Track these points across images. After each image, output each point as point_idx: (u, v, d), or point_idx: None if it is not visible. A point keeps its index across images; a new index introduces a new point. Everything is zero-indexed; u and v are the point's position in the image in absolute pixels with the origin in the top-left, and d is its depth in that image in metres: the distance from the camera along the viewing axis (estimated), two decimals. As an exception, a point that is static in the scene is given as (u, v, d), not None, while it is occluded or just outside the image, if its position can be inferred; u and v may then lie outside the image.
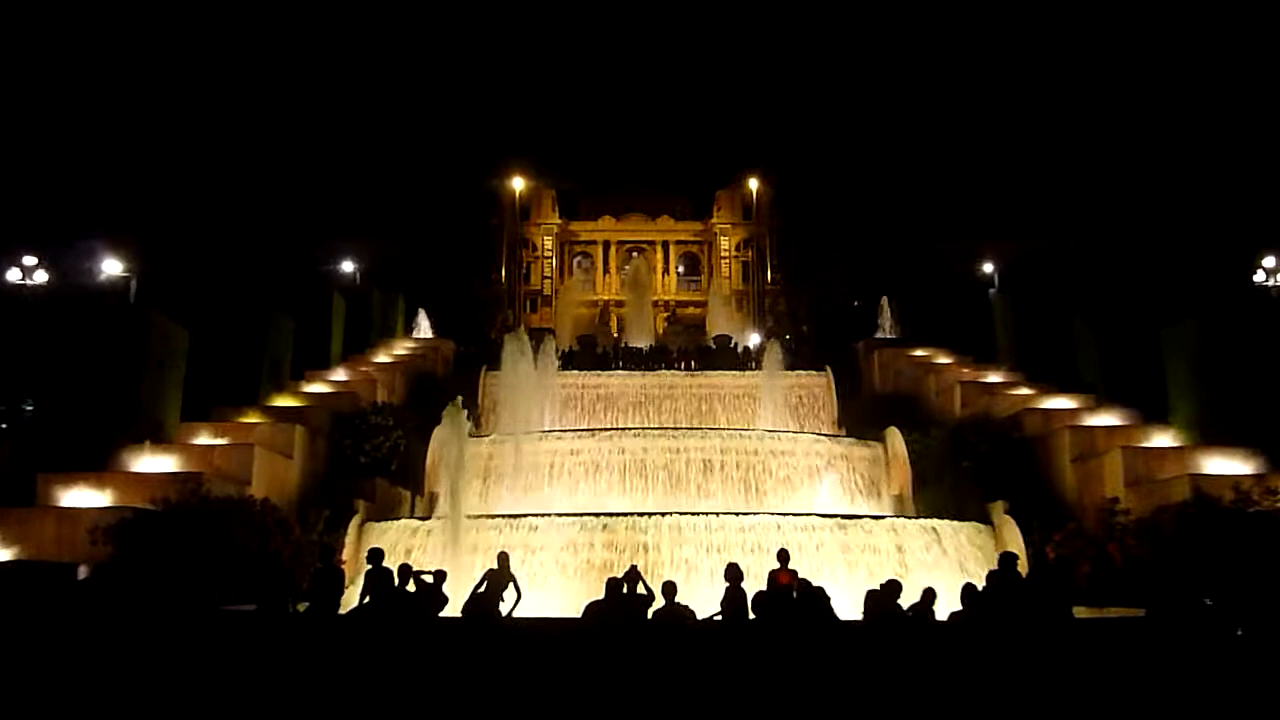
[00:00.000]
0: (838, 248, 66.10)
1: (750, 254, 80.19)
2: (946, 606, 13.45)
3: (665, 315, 71.64)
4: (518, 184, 72.41)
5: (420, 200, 69.27)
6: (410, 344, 38.96)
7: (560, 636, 11.66)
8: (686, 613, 11.98)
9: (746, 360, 39.83)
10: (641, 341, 46.26)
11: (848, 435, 30.17)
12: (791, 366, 35.29)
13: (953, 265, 52.04)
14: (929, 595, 12.65)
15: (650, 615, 12.03)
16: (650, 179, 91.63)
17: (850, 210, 68.43)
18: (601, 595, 12.79)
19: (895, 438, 27.46)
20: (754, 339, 50.93)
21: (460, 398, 24.08)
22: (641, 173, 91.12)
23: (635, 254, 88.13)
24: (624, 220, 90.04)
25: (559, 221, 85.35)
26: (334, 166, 68.46)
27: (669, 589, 12.47)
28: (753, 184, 75.77)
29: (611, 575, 13.29)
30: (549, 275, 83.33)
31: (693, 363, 39.81)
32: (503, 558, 14.82)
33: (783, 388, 33.40)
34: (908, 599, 12.95)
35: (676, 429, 28.83)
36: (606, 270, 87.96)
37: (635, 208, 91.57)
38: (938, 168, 69.46)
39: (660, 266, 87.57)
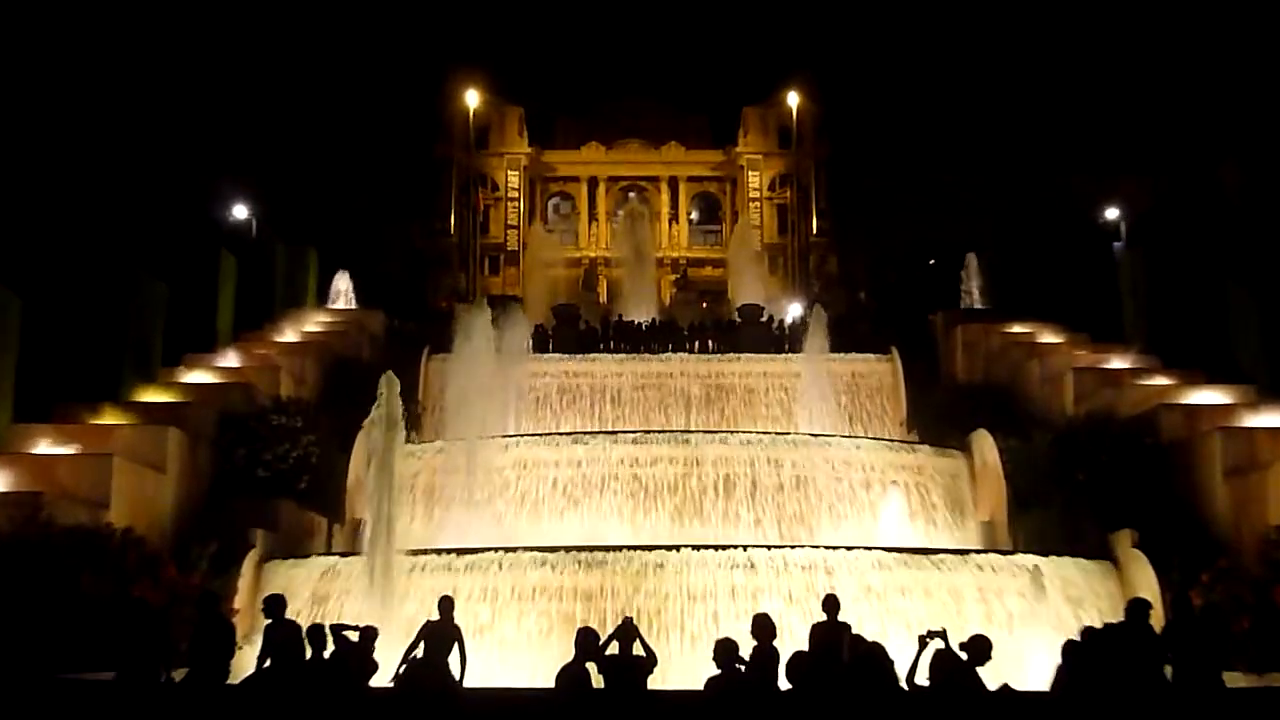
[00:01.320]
0: (906, 186, 65.99)
1: (789, 194, 79.94)
2: (1041, 668, 13.34)
3: (674, 278, 71.71)
4: (471, 99, 72.48)
5: (339, 122, 69.13)
6: (327, 317, 38.88)
7: (529, 712, 11.55)
8: (642, 664, 11.73)
9: (783, 339, 39.84)
10: (641, 314, 46.22)
11: (920, 440, 30.27)
12: (844, 347, 35.42)
13: (1063, 210, 51.88)
14: (980, 647, 12.13)
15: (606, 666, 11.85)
16: (653, 91, 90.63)
17: (923, 136, 68.32)
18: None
19: (984, 444, 27.45)
20: (793, 310, 50.90)
21: (394, 390, 23.99)
22: (641, 83, 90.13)
23: (632, 195, 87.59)
24: (617, 148, 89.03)
25: (528, 151, 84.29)
26: (221, 77, 68.21)
27: (626, 630, 12.09)
28: (792, 99, 75.64)
29: (584, 626, 12.76)
30: (515, 224, 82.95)
31: (710, 342, 39.87)
32: (445, 605, 14.70)
33: (833, 376, 33.47)
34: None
35: (688, 433, 28.94)
36: (594, 217, 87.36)
37: (632, 131, 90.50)
38: (1041, 77, 69.36)
39: (666, 211, 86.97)
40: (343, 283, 43.19)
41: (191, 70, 65.64)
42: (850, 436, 29.87)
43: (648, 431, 29.21)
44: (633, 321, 42.69)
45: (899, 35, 74.72)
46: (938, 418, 31.19)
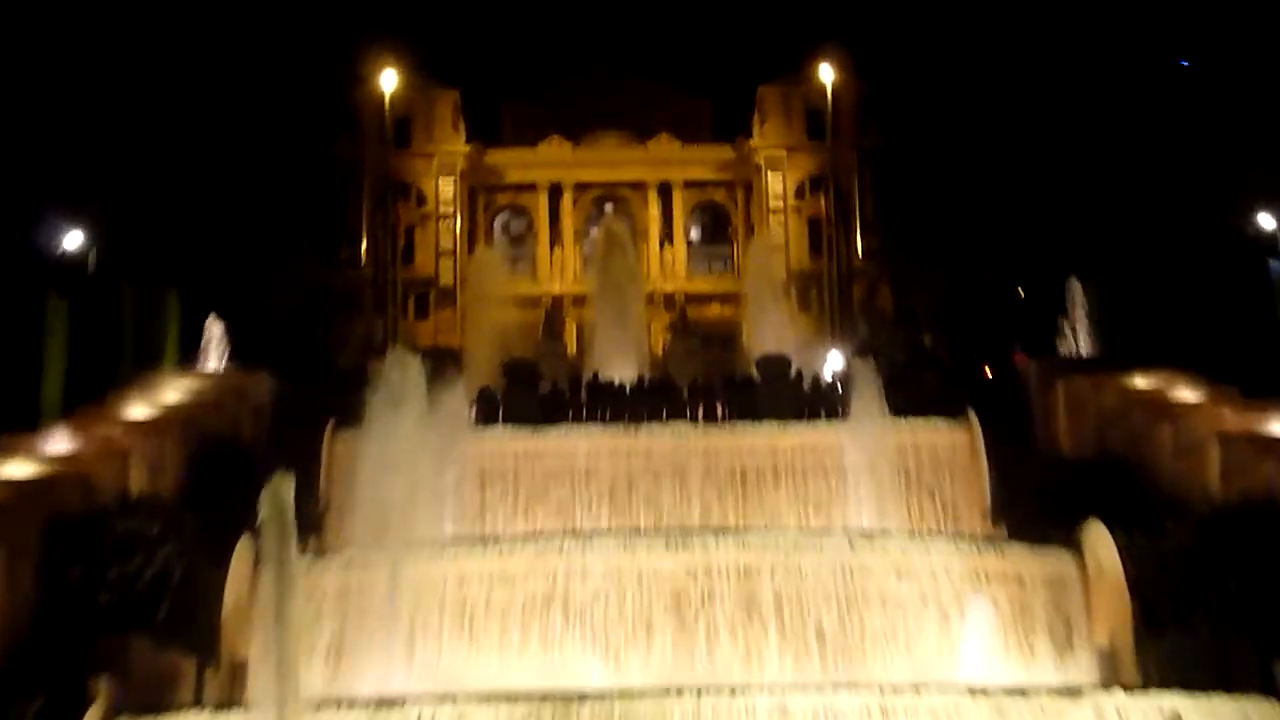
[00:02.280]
0: (982, 189, 66.57)
1: (824, 202, 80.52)
2: None
3: (668, 320, 72.15)
4: (388, 81, 73.15)
5: (207, 117, 69.29)
6: (193, 383, 38.84)
7: None
8: None
9: (819, 400, 40.01)
10: (625, 370, 46.40)
11: (1011, 536, 30.47)
12: (904, 410, 35.69)
13: (1197, 220, 52.37)
14: None
15: None
16: (635, 64, 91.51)
17: (1002, 120, 68.86)
18: None
19: (1099, 540, 27.47)
20: (832, 361, 50.85)
21: (288, 480, 23.97)
22: (618, 53, 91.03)
23: (609, 207, 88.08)
24: (587, 143, 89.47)
25: (466, 149, 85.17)
26: (44, 58, 68.41)
27: None
28: (826, 73, 76.23)
29: None
30: (449, 250, 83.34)
31: (720, 407, 40.06)
32: None
33: (889, 450, 33.74)
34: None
35: (692, 532, 28.98)
36: (557, 239, 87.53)
37: (608, 119, 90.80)
38: (1163, 41, 70.20)
39: (657, 229, 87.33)
40: (215, 334, 43.30)
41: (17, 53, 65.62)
42: (915, 533, 29.89)
43: (636, 532, 29.18)
44: (613, 381, 42.81)
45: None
46: (1034, 505, 31.26)
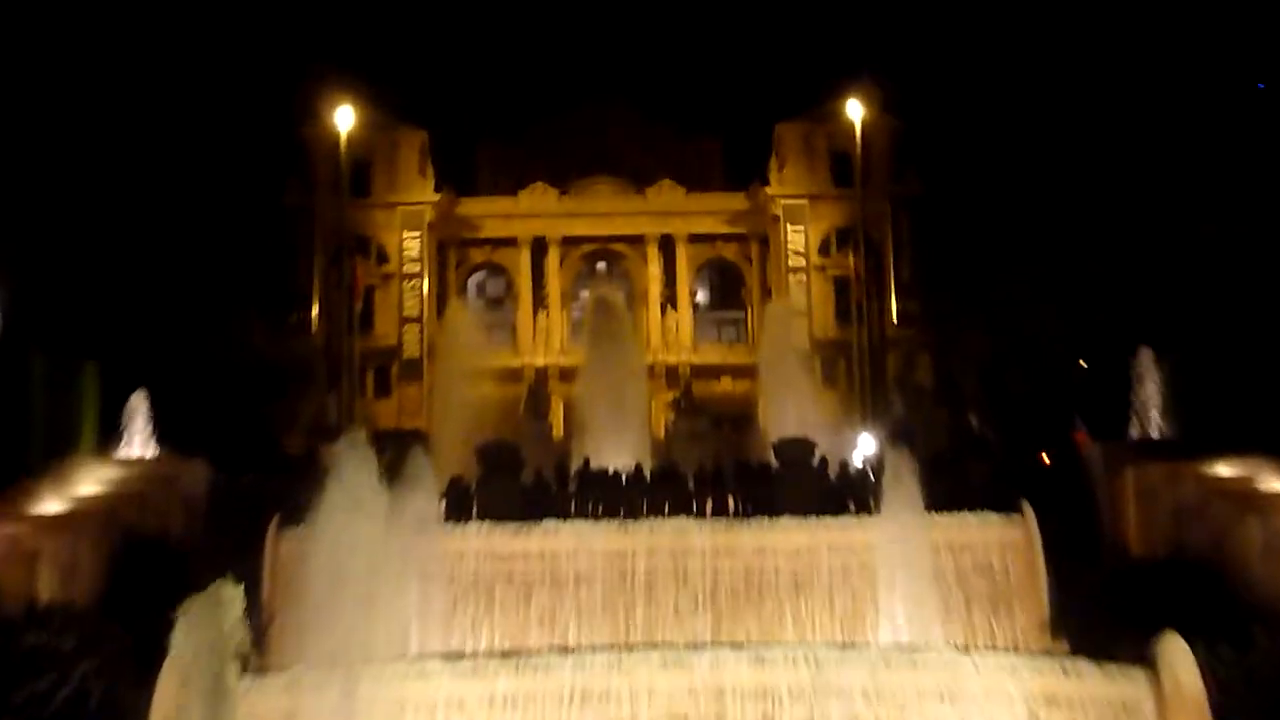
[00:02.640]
0: (1038, 243, 66.78)
1: (853, 260, 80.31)
2: None
3: (671, 398, 71.86)
4: (345, 119, 73.18)
5: (134, 156, 69.21)
6: (115, 470, 38.76)
7: None
8: None
9: (847, 492, 39.96)
10: (621, 456, 46.33)
11: (1073, 651, 30.21)
12: (947, 503, 35.72)
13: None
14: None
15: None
16: (633, 100, 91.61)
17: (1067, 166, 68.92)
18: None
19: (1177, 656, 27.29)
20: (863, 445, 50.66)
21: (225, 583, 23.86)
22: (613, 87, 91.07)
23: (602, 266, 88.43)
24: (577, 191, 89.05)
25: (435, 199, 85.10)
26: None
27: None
28: (854, 109, 75.84)
29: None
30: (415, 316, 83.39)
31: (733, 500, 40.11)
32: None
33: (930, 551, 33.77)
34: None
35: (700, 647, 28.86)
36: (541, 303, 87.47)
37: (601, 163, 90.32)
38: (1243, 72, 70.66)
39: (658, 290, 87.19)
40: (140, 414, 43.23)
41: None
42: (961, 649, 29.71)
43: (634, 647, 29.03)
44: (607, 469, 42.69)
45: (1015, 12, 76.31)
46: (1100, 615, 31.14)
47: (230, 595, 22.61)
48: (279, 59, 75.56)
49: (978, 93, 72.82)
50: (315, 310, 76.41)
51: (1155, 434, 40.52)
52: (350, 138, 71.60)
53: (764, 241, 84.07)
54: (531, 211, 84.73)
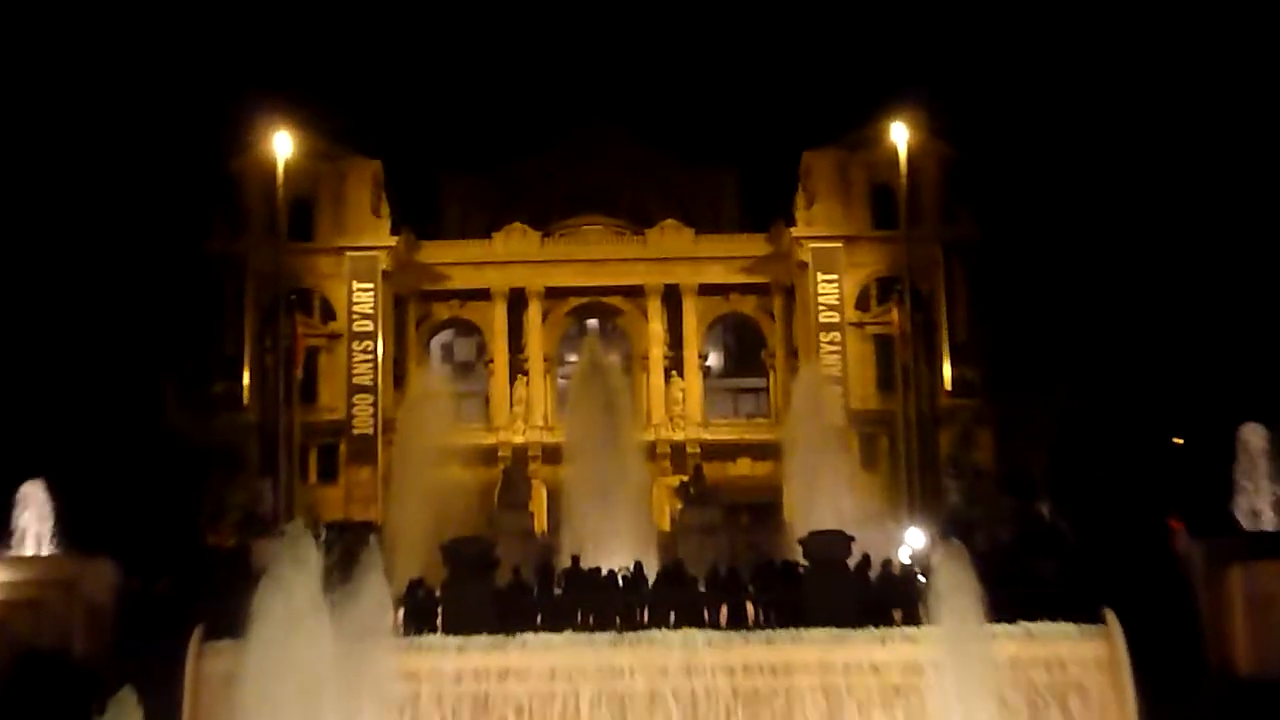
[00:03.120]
0: (1124, 300, 66.73)
1: (896, 316, 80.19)
2: None
3: (680, 483, 72.04)
4: (282, 147, 73.27)
5: (26, 193, 69.46)
6: (3, 572, 38.97)
7: None
8: None
9: (892, 598, 40.15)
10: (615, 554, 46.52)
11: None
12: (1013, 612, 35.92)
13: None
14: None
15: None
16: (631, 124, 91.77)
17: (1155, 202, 68.91)
18: None
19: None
20: (910, 540, 50.62)
21: (133, 704, 24.18)
22: (607, 109, 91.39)
23: (592, 324, 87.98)
24: (564, 233, 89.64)
25: (392, 242, 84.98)
26: None
27: None
28: (899, 134, 75.78)
29: None
30: (368, 384, 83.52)
31: (752, 606, 40.39)
32: None
33: (993, 670, 33.86)
34: None
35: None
36: (520, 368, 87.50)
37: (593, 200, 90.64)
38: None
39: (660, 353, 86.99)
40: (34, 505, 43.40)
41: None
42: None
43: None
44: (600, 570, 42.95)
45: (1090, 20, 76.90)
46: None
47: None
48: (203, 80, 76.06)
49: (1045, 116, 73.21)
50: (246, 378, 76.40)
51: (1268, 527, 40.44)
52: (289, 169, 71.53)
53: (789, 293, 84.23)
54: (508, 257, 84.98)
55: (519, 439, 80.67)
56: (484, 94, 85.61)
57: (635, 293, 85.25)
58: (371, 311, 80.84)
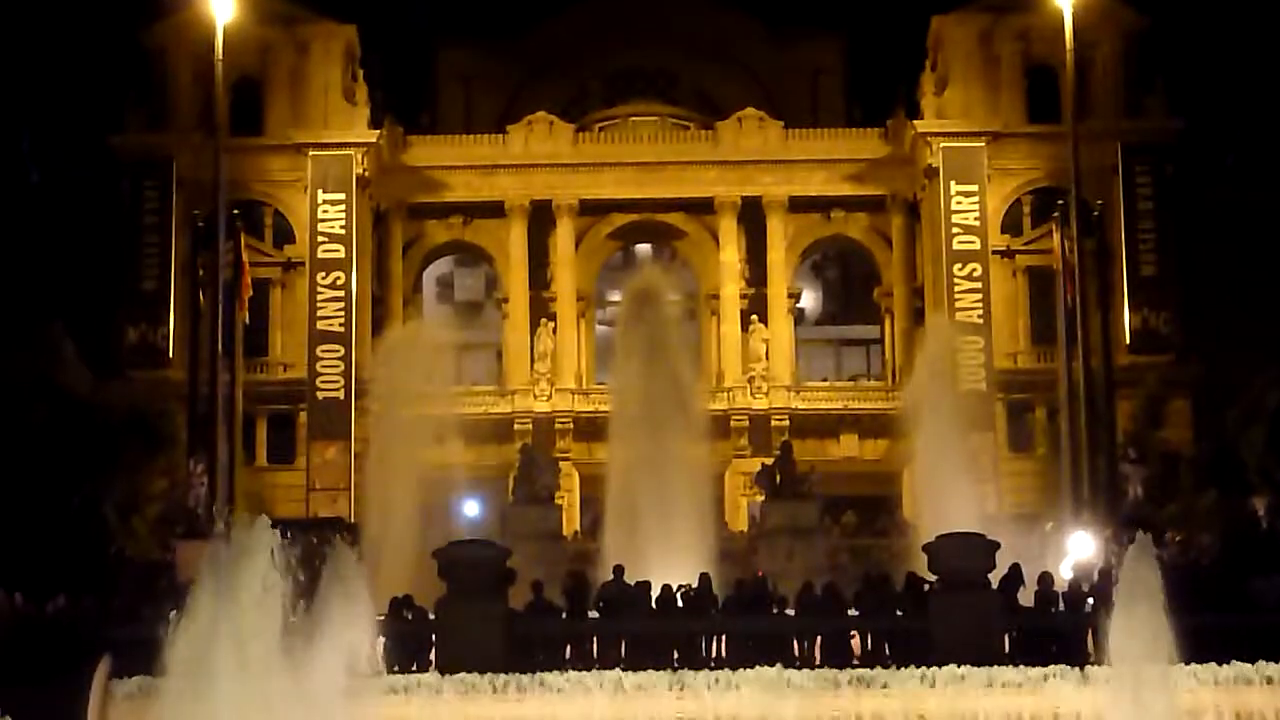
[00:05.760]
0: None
1: (1059, 243, 79.10)
2: None
3: (761, 465, 70.88)
4: (221, 7, 72.67)
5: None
6: None
7: None
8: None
9: (1052, 627, 40.14)
10: (673, 564, 46.55)
11: None
12: (1221, 644, 35.78)
13: None
14: None
15: None
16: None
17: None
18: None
19: None
20: (1075, 547, 50.45)
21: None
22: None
23: (643, 250, 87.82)
24: (605, 127, 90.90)
25: (370, 139, 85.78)
26: None
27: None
28: None
29: None
30: (337, 329, 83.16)
31: (859, 637, 40.30)
32: None
33: None
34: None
35: None
36: (544, 309, 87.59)
37: (641, 82, 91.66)
38: None
39: (736, 291, 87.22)
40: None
41: None
42: None
43: None
44: (650, 585, 42.89)
45: None
46: None
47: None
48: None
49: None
50: (170, 324, 76.41)
51: None
52: (229, 38, 71.00)
53: (913, 210, 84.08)
54: (529, 159, 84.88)
55: (543, 407, 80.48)
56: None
57: (702, 208, 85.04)
58: (343, 232, 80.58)
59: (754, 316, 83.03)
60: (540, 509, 61.07)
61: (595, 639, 39.80)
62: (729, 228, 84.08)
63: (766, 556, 52.66)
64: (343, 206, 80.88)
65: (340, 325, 79.74)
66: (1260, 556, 46.02)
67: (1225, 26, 74.43)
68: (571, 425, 77.05)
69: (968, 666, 36.53)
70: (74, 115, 74.21)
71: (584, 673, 37.25)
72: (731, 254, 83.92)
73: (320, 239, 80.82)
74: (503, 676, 36.46)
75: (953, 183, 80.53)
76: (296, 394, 78.99)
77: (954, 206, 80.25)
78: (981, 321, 77.97)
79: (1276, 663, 35.62)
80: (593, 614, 41.60)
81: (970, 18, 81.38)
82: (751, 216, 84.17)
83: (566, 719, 34.97)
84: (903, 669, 36.93)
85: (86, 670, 35.25)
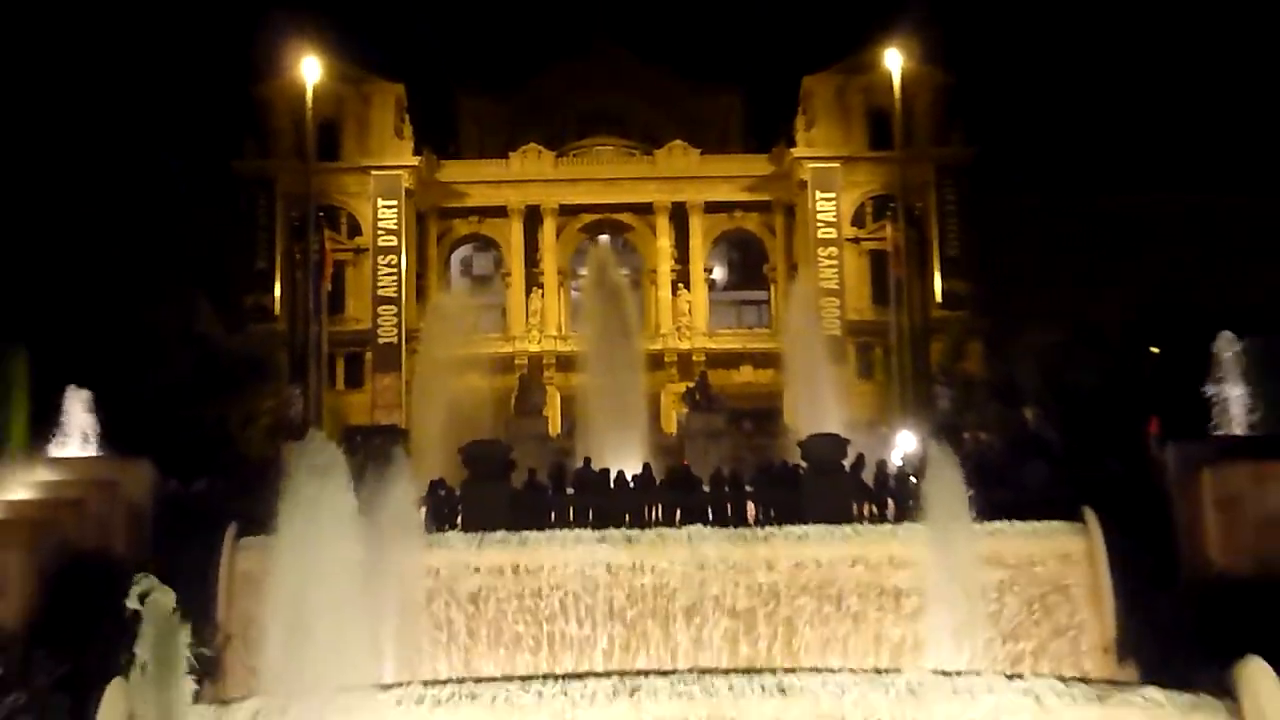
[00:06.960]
0: (1110, 217, 65.93)
1: (890, 232, 79.52)
2: None
3: (684, 389, 71.24)
4: (310, 71, 72.57)
5: (65, 115, 69.01)
6: (47, 473, 38.81)
7: None
8: None
9: (884, 497, 40.30)
10: (626, 456, 46.41)
11: (1143, 680, 30.30)
12: (1000, 511, 35.74)
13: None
14: None
15: None
16: (640, 48, 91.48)
17: (1135, 125, 68.41)
18: None
19: (1262, 684, 27.32)
20: (903, 444, 50.50)
21: (167, 599, 23.89)
22: (617, 33, 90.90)
23: (603, 239, 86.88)
24: (577, 153, 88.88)
25: (414, 162, 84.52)
26: None
27: None
28: (894, 59, 74.97)
29: None
30: (391, 295, 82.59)
31: (754, 506, 40.31)
32: None
33: (979, 565, 33.74)
34: None
35: (714, 674, 29.11)
36: (535, 281, 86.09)
37: (604, 121, 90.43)
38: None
39: (668, 267, 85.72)
40: (77, 410, 43.18)
41: None
42: (1016, 677, 29.76)
43: (640, 674, 29.24)
44: (609, 472, 42.80)
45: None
46: (1173, 637, 31.14)
47: (174, 614, 22.51)
48: (231, 5, 75.38)
49: (1036, 41, 72.54)
50: (276, 291, 76.46)
51: (1238, 431, 40.17)
52: (316, 92, 70.19)
53: (790, 211, 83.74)
54: (524, 176, 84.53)
55: (534, 348, 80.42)
56: (500, 19, 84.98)
57: (644, 210, 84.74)
58: (395, 227, 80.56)
59: (680, 285, 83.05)
60: (533, 419, 60.78)
61: (571, 509, 39.78)
62: (663, 224, 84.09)
63: (690, 452, 52.53)
64: (395, 210, 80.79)
65: (394, 292, 79.75)
66: (1029, 452, 45.94)
67: (1012, 80, 74.37)
68: (554, 361, 77.28)
69: (828, 525, 36.52)
70: (208, 146, 73.82)
71: (564, 531, 37.23)
72: (665, 242, 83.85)
73: (379, 233, 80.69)
74: (507, 534, 36.29)
75: (817, 192, 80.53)
76: (364, 340, 78.95)
77: (819, 208, 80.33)
78: (838, 287, 78.34)
79: (1034, 521, 35.82)
80: (570, 491, 41.58)
81: (830, 77, 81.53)
82: (678, 216, 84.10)
83: (551, 562, 34.74)
84: (783, 527, 36.88)
85: (220, 535, 35.05)
